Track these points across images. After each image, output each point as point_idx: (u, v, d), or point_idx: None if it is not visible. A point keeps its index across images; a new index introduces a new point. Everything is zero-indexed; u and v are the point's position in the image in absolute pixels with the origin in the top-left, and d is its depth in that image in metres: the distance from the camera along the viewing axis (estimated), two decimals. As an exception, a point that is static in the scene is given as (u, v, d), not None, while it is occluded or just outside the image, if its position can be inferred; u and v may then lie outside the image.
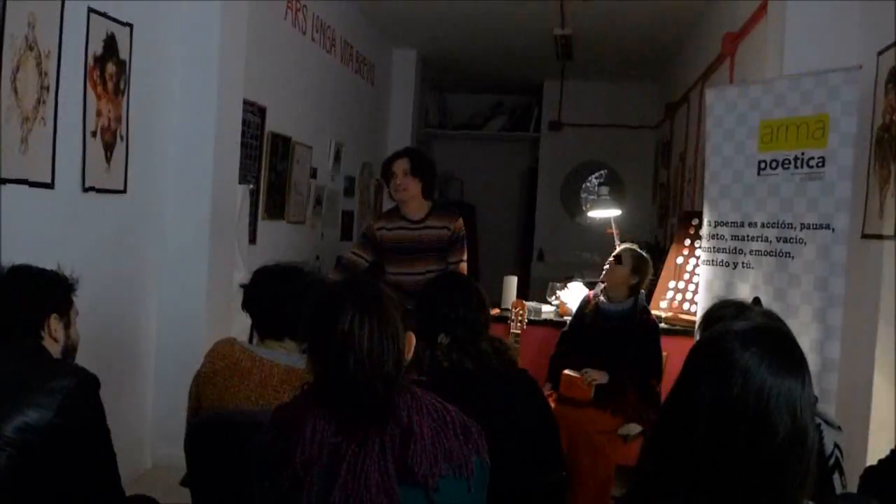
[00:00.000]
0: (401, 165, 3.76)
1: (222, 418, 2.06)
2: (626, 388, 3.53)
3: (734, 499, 1.11)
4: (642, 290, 3.80)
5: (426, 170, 3.82)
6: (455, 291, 2.32)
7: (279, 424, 1.55)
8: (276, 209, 5.10)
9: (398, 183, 3.75)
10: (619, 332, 3.66)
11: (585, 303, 3.90)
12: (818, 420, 1.90)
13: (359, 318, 1.49)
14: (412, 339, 1.60)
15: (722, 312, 2.12)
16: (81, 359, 2.69)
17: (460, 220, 3.85)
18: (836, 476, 1.90)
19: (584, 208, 8.61)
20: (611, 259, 3.77)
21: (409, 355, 1.59)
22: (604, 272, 3.79)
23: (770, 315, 2.16)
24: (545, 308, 4.50)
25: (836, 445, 1.93)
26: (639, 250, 3.81)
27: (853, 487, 2.23)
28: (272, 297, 2.18)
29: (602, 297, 3.77)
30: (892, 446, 2.74)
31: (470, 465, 1.46)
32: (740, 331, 1.18)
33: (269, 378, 2.09)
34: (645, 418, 3.51)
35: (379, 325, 1.50)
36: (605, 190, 4.61)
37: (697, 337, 2.31)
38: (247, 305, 2.23)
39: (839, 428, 2.03)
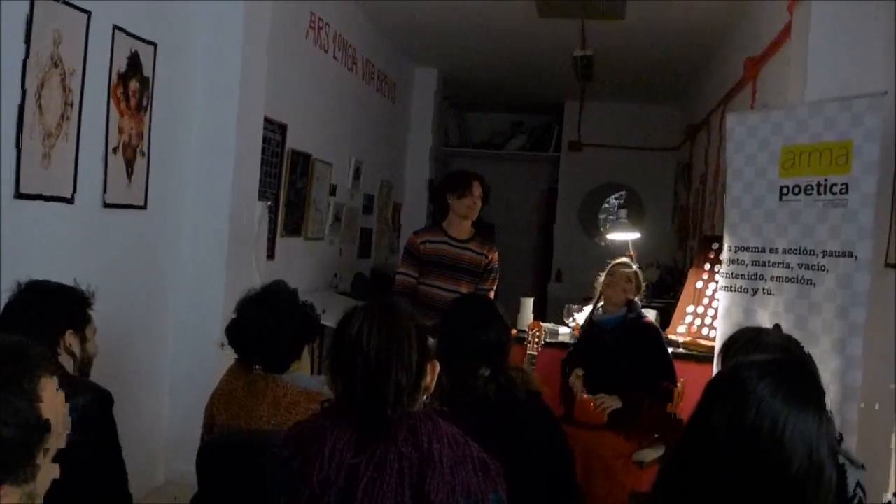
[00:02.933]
0: (478, 188, 3.89)
1: (235, 438, 2.05)
2: (641, 410, 3.49)
3: None
4: (637, 300, 3.78)
5: (488, 199, 4.03)
6: (480, 312, 2.30)
7: (297, 441, 1.54)
8: (295, 226, 5.12)
9: (473, 202, 3.84)
10: (619, 339, 3.65)
11: (584, 324, 3.91)
12: (841, 459, 1.87)
13: (367, 325, 1.52)
14: (436, 367, 1.59)
15: (739, 336, 2.10)
16: (97, 372, 2.70)
17: (496, 253, 4.00)
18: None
19: (602, 229, 8.58)
20: (621, 281, 3.72)
21: (433, 383, 1.58)
22: (614, 292, 3.74)
23: (790, 340, 2.13)
24: (562, 329, 4.48)
25: (859, 484, 1.89)
26: (630, 262, 3.77)
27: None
28: (260, 347, 2.20)
29: (598, 312, 3.76)
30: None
31: (487, 501, 1.44)
32: (758, 362, 1.18)
33: (282, 399, 2.09)
34: (661, 436, 3.48)
35: (388, 332, 1.51)
36: (623, 213, 4.59)
37: (717, 365, 2.28)
38: (246, 361, 2.24)
39: (863, 466, 1.99)
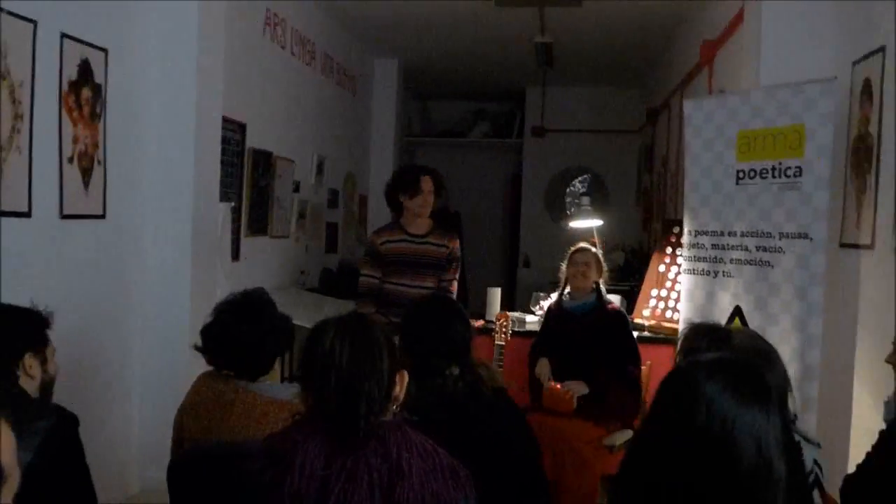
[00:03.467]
0: (429, 183, 3.83)
1: (205, 451, 2.05)
2: (608, 395, 3.54)
3: None
4: (601, 283, 3.83)
5: (442, 189, 3.95)
6: (442, 312, 2.32)
7: (270, 454, 1.55)
8: (259, 225, 5.09)
9: (424, 200, 3.81)
10: (587, 325, 3.69)
11: (549, 311, 3.93)
12: (797, 437, 1.92)
13: (339, 340, 1.54)
14: (405, 377, 1.61)
15: (699, 337, 2.12)
16: (66, 385, 2.68)
17: (457, 241, 3.96)
18: (815, 493, 1.91)
19: (568, 213, 8.64)
20: (580, 267, 3.76)
21: (402, 393, 1.60)
22: (575, 279, 3.78)
23: (754, 337, 2.17)
24: (529, 318, 4.51)
25: (816, 462, 1.94)
26: (594, 249, 3.82)
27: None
28: (235, 356, 2.19)
29: (566, 298, 3.80)
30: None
31: None
32: (706, 362, 1.22)
33: (251, 410, 2.09)
34: (631, 420, 3.54)
35: (360, 346, 1.53)
36: (586, 200, 4.62)
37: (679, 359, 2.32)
38: (217, 366, 2.23)
39: (818, 445, 2.05)
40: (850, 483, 2.19)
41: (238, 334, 2.16)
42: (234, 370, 2.20)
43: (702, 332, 2.14)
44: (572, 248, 3.88)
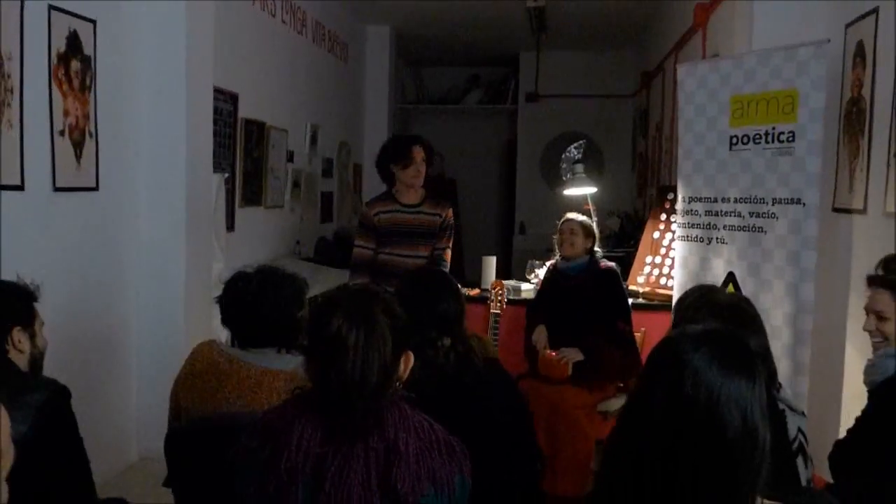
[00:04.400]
0: (420, 153, 3.80)
1: (201, 422, 2.07)
2: (602, 358, 3.56)
3: (690, 494, 1.15)
4: (597, 249, 3.86)
5: (432, 160, 3.92)
6: (434, 283, 2.33)
7: (267, 429, 1.57)
8: (254, 195, 5.09)
9: (417, 170, 3.79)
10: (581, 283, 3.72)
11: (545, 275, 3.98)
12: (781, 406, 1.95)
13: (347, 325, 1.52)
14: (410, 358, 1.61)
15: (688, 295, 2.16)
16: (63, 357, 2.70)
17: (451, 210, 3.95)
18: (799, 460, 1.95)
19: (564, 179, 8.62)
20: (565, 234, 3.79)
21: (406, 374, 1.61)
22: (562, 247, 3.81)
23: (739, 298, 2.19)
24: (524, 286, 4.53)
25: (800, 430, 1.97)
26: (583, 218, 3.85)
27: (822, 467, 2.29)
28: (250, 313, 2.18)
29: (560, 261, 3.85)
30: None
31: (452, 484, 1.49)
32: (692, 334, 1.24)
33: (245, 380, 2.11)
34: (624, 385, 3.58)
35: (367, 333, 1.52)
36: (580, 168, 4.61)
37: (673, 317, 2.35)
38: (226, 322, 2.23)
39: (803, 413, 2.08)
40: (839, 448, 2.22)
41: (251, 312, 2.16)
42: (247, 336, 2.20)
43: (689, 291, 2.18)
44: (563, 217, 3.89)
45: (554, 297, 3.81)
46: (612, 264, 3.87)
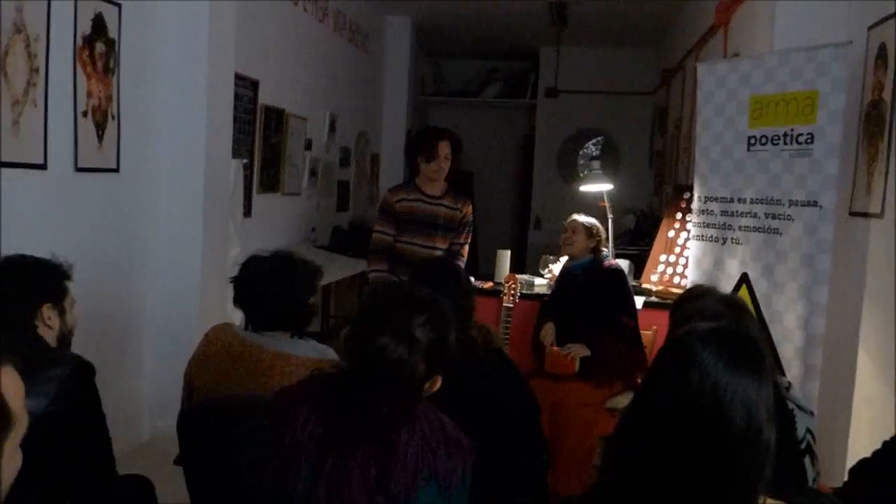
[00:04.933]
0: (445, 148, 3.81)
1: (213, 403, 2.10)
2: (607, 353, 3.58)
3: (694, 491, 1.16)
4: (603, 249, 3.90)
5: (459, 155, 3.93)
6: (446, 279, 2.35)
7: (276, 406, 1.60)
8: (271, 182, 5.12)
9: (439, 166, 3.81)
10: (585, 281, 3.75)
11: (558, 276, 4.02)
12: (791, 405, 1.95)
13: (394, 342, 1.52)
14: (437, 382, 1.62)
15: (681, 299, 2.18)
16: (79, 335, 2.73)
17: (470, 206, 3.98)
18: (807, 460, 1.95)
19: (581, 175, 8.61)
20: (566, 233, 3.83)
21: (431, 391, 1.62)
22: (563, 246, 3.85)
23: (727, 303, 2.20)
24: (538, 281, 4.54)
25: (809, 430, 1.97)
26: (587, 218, 3.88)
27: (832, 472, 2.28)
28: (259, 296, 2.21)
29: (568, 260, 3.91)
30: (876, 423, 2.80)
31: (454, 479, 1.51)
32: (701, 330, 1.24)
33: (258, 363, 2.14)
34: (630, 381, 3.60)
35: (409, 352, 1.53)
36: (596, 164, 4.61)
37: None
38: (238, 302, 2.27)
39: (812, 413, 2.08)
40: (864, 466, 2.17)
41: (265, 294, 2.20)
42: (261, 318, 2.23)
43: (692, 290, 2.19)
44: (570, 218, 3.92)
45: (561, 296, 3.85)
46: (618, 263, 3.89)
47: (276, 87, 5.04)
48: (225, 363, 2.18)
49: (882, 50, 3.07)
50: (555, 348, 3.63)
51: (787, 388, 2.04)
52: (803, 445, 1.94)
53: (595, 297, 3.67)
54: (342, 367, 1.63)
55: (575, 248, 3.81)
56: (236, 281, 2.25)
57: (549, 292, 4.36)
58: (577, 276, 3.80)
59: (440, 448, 1.52)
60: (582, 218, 3.87)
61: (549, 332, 3.70)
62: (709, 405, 1.15)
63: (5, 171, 2.75)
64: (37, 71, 2.86)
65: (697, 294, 2.30)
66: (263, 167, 4.97)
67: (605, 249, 3.89)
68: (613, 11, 7.21)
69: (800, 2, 3.53)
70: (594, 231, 3.83)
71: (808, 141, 3.24)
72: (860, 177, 3.20)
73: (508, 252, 4.70)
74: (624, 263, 4.27)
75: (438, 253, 3.79)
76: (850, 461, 2.63)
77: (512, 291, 3.96)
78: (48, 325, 2.00)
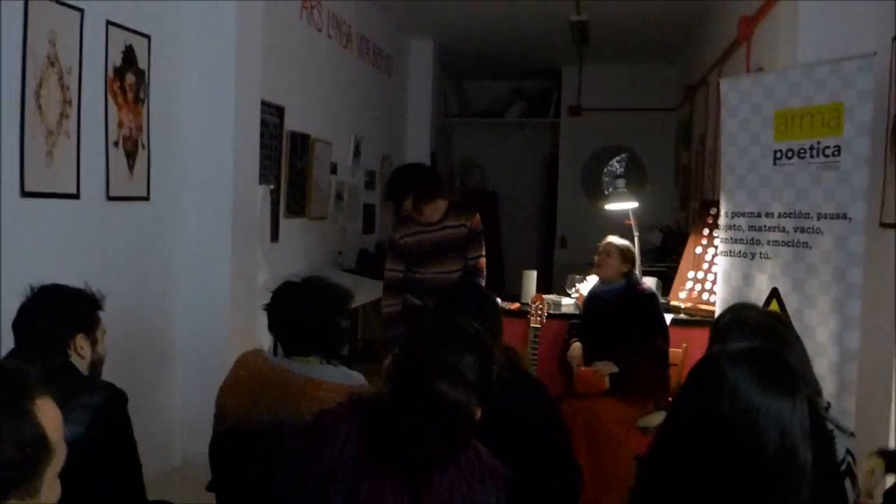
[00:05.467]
0: (408, 205, 3.78)
1: (245, 428, 2.12)
2: (638, 371, 3.56)
3: None
4: (635, 271, 3.90)
5: (433, 189, 3.82)
6: (468, 299, 2.35)
7: (315, 428, 1.61)
8: (298, 206, 5.17)
9: (410, 214, 3.81)
10: (617, 306, 3.75)
11: (585, 297, 4.00)
12: (830, 426, 1.91)
13: (452, 390, 1.52)
14: (478, 413, 1.63)
15: (722, 315, 2.16)
16: (111, 360, 2.77)
17: (477, 217, 3.91)
18: (847, 482, 1.91)
19: (605, 193, 8.57)
20: (600, 254, 3.83)
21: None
22: (597, 267, 3.85)
23: (769, 315, 2.18)
24: (565, 301, 4.53)
25: (849, 451, 1.93)
26: (622, 241, 3.88)
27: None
28: (291, 321, 2.24)
29: (598, 284, 3.92)
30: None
31: None
32: (732, 351, 1.23)
33: (288, 388, 2.15)
34: (664, 395, 3.57)
35: (467, 397, 1.54)
36: (622, 183, 4.61)
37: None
38: (272, 328, 2.30)
39: (852, 433, 2.04)
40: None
41: (298, 319, 2.23)
42: (297, 347, 2.25)
43: (725, 311, 2.17)
44: (605, 240, 3.92)
45: (591, 320, 3.85)
46: (650, 287, 3.87)
47: (302, 112, 5.10)
48: (255, 389, 2.20)
49: (908, 61, 3.05)
50: (583, 368, 3.61)
51: (826, 409, 2.01)
52: (843, 467, 1.90)
53: (627, 322, 3.67)
54: (383, 396, 1.63)
55: (608, 271, 3.81)
56: (269, 307, 2.27)
57: (576, 313, 4.36)
58: (608, 301, 3.78)
59: (474, 477, 1.53)
60: (617, 241, 3.87)
61: (575, 351, 3.68)
62: (741, 426, 1.13)
63: (39, 200, 2.81)
64: (69, 103, 2.94)
65: (738, 307, 2.27)
66: (290, 192, 5.02)
67: (637, 273, 3.88)
68: (635, 29, 7.22)
69: (823, 14, 3.51)
70: (628, 255, 3.83)
71: (836, 153, 3.22)
72: (889, 188, 3.16)
73: (535, 272, 4.70)
74: (651, 281, 4.25)
75: (455, 276, 3.79)
76: (890, 478, 2.58)
77: (539, 312, 3.95)
78: (80, 355, 2.04)
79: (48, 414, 1.10)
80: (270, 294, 2.30)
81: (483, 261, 3.90)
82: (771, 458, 1.13)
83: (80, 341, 2.04)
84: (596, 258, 3.88)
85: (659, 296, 4.11)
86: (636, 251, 3.88)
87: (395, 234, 3.93)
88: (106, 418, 1.82)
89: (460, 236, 3.84)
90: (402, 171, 4.04)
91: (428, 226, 3.82)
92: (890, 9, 3.24)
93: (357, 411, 1.60)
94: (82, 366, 2.03)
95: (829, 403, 2.11)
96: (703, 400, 1.18)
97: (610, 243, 3.85)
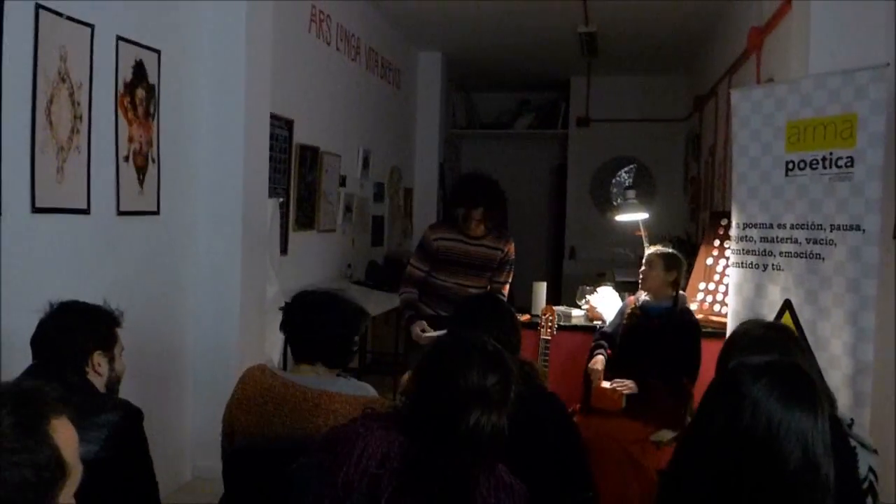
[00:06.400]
0: (479, 214, 3.77)
1: (259, 444, 2.11)
2: (658, 396, 3.51)
3: None
4: (682, 291, 3.79)
5: (498, 211, 3.85)
6: (489, 312, 2.34)
7: (329, 444, 1.60)
8: (307, 219, 5.18)
9: (474, 226, 3.79)
10: (663, 327, 3.67)
11: (626, 307, 3.91)
12: (853, 442, 1.89)
13: (486, 417, 1.53)
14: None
15: (731, 337, 2.15)
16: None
17: (512, 245, 3.95)
18: (868, 500, 1.88)
19: (615, 203, 8.56)
20: (643, 267, 3.77)
21: None
22: (641, 281, 3.80)
23: (769, 327, 2.17)
24: (575, 312, 4.50)
25: (871, 469, 1.91)
26: (665, 249, 3.80)
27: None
28: (308, 323, 2.25)
29: (645, 297, 3.80)
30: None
31: None
32: (752, 365, 1.22)
33: (303, 402, 2.13)
34: (679, 422, 3.51)
35: (499, 419, 1.55)
36: (631, 193, 4.58)
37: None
38: (284, 327, 2.31)
39: (875, 451, 2.01)
40: None
41: (311, 323, 2.26)
42: (306, 351, 2.27)
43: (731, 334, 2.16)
44: (649, 250, 3.85)
45: (632, 334, 3.75)
46: (694, 316, 3.78)
47: (311, 125, 5.11)
48: (268, 406, 2.17)
49: (921, 71, 3.03)
50: (603, 384, 3.57)
51: (849, 425, 1.98)
52: (865, 485, 1.87)
53: (667, 349, 3.58)
54: (401, 412, 1.63)
55: (652, 283, 3.72)
56: (288, 307, 2.29)
57: (586, 325, 4.32)
58: (653, 318, 3.71)
59: (492, 494, 1.51)
60: (661, 250, 3.80)
61: (598, 365, 3.63)
62: (762, 440, 1.13)
63: (50, 216, 2.81)
64: (80, 118, 2.94)
65: (743, 322, 2.26)
66: (299, 205, 5.02)
67: (682, 293, 3.78)
68: (643, 39, 7.22)
69: (835, 25, 3.50)
70: (672, 263, 3.73)
71: (849, 164, 3.19)
72: (903, 199, 3.13)
73: (545, 284, 4.68)
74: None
75: (474, 292, 3.77)
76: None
77: (549, 324, 3.92)
78: (98, 372, 2.03)
79: (65, 435, 1.09)
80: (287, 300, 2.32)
81: (507, 288, 3.94)
82: (793, 472, 1.12)
83: (98, 358, 2.03)
84: (640, 271, 3.81)
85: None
86: (681, 266, 3.79)
87: (431, 232, 3.93)
88: (122, 437, 1.81)
89: (493, 258, 3.87)
90: (481, 180, 3.99)
91: (468, 237, 3.83)
92: (902, 19, 3.22)
93: (373, 428, 1.59)
94: (99, 383, 2.03)
95: (852, 420, 2.08)
96: (724, 414, 1.17)
97: (651, 254, 3.77)
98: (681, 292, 3.79)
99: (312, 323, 2.24)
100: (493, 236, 3.88)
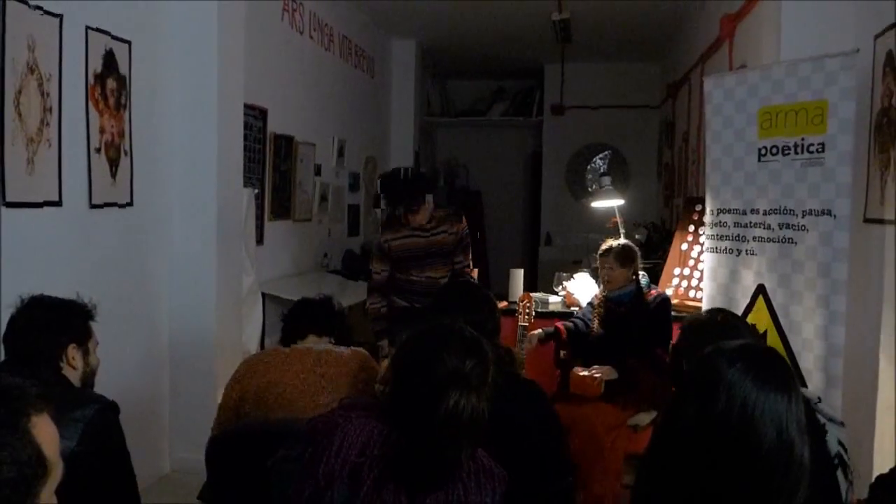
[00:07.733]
0: (413, 208, 3.79)
1: (244, 430, 2.12)
2: (639, 376, 3.55)
3: None
4: (641, 273, 3.84)
5: (431, 195, 3.89)
6: (464, 297, 2.35)
7: (310, 433, 1.60)
8: (282, 209, 5.15)
9: (418, 218, 3.81)
10: (630, 312, 3.71)
11: (594, 300, 3.94)
12: (822, 419, 1.93)
13: (465, 399, 1.53)
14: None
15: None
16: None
17: (463, 222, 3.96)
18: (839, 474, 1.92)
19: (590, 190, 8.58)
20: (602, 271, 3.79)
21: None
22: (602, 280, 3.82)
23: (722, 310, 2.24)
24: (552, 299, 4.53)
25: (840, 443, 1.95)
26: (616, 244, 3.83)
27: (856, 482, 2.26)
28: (312, 301, 2.69)
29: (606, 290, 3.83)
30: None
31: None
32: (727, 349, 1.24)
33: (306, 357, 2.39)
34: (660, 401, 3.55)
35: (479, 400, 1.56)
36: (607, 180, 4.61)
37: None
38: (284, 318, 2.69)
39: (842, 423, 2.05)
40: (885, 482, 2.15)
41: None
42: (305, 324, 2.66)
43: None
44: (602, 247, 3.87)
45: (605, 322, 3.79)
46: (664, 293, 3.82)
47: (285, 115, 5.07)
48: (279, 365, 2.43)
49: (889, 58, 3.07)
50: (580, 371, 3.60)
51: (816, 402, 2.02)
52: (836, 460, 1.91)
53: (639, 330, 3.63)
54: (381, 401, 1.66)
55: (616, 283, 3.75)
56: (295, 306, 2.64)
57: (563, 311, 4.35)
58: (622, 304, 3.74)
59: (471, 479, 1.52)
60: (614, 245, 3.80)
61: (535, 331, 3.74)
62: (738, 423, 1.15)
63: (22, 210, 2.77)
64: (50, 110, 2.90)
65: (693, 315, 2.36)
66: (274, 195, 4.99)
67: (643, 273, 3.82)
68: (617, 27, 7.24)
69: (805, 12, 3.53)
70: (628, 255, 3.76)
71: (820, 150, 3.24)
72: (873, 184, 3.18)
73: (521, 271, 4.70)
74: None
75: (443, 281, 3.80)
76: (876, 470, 2.60)
77: (527, 311, 3.94)
78: (72, 366, 2.01)
79: (45, 431, 1.08)
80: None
81: (472, 269, 3.94)
82: (768, 453, 1.14)
83: (73, 352, 2.01)
84: (600, 272, 3.83)
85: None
86: (635, 256, 3.82)
87: (381, 238, 3.93)
88: (98, 432, 1.80)
89: (448, 243, 3.88)
90: (400, 176, 4.02)
91: (418, 230, 3.82)
92: (872, 6, 3.26)
93: (352, 417, 1.60)
94: (74, 377, 2.01)
95: (819, 398, 2.12)
96: (700, 398, 1.19)
97: (607, 252, 3.78)
98: (640, 274, 3.83)
99: (312, 302, 2.75)
100: (444, 220, 3.88)
